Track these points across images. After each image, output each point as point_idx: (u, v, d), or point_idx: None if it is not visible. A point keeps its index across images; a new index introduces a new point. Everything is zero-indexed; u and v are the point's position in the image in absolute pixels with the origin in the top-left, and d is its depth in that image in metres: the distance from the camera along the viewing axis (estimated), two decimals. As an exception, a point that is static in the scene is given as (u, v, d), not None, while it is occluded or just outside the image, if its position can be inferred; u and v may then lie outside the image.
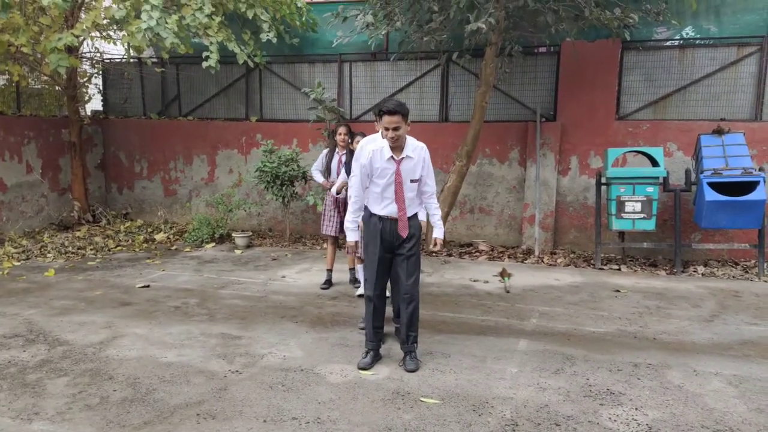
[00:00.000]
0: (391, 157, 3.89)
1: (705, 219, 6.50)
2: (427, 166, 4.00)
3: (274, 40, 8.18)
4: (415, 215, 4.06)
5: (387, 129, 3.79)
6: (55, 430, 3.13)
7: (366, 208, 4.12)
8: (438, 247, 4.14)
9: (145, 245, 8.34)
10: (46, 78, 9.45)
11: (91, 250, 7.87)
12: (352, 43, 8.26)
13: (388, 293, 4.76)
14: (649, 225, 6.85)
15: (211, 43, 7.71)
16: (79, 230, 8.89)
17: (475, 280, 6.47)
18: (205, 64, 7.72)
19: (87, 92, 10.65)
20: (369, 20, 6.55)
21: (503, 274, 6.53)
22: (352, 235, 4.18)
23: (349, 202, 4.20)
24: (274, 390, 3.67)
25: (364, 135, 4.95)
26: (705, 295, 5.88)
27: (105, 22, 7.92)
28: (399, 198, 3.91)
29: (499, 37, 7.12)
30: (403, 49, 7.78)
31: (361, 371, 3.98)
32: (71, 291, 5.96)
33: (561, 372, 3.98)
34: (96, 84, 10.62)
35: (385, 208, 3.98)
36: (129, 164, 10.20)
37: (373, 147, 3.95)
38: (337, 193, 5.78)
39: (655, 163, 6.96)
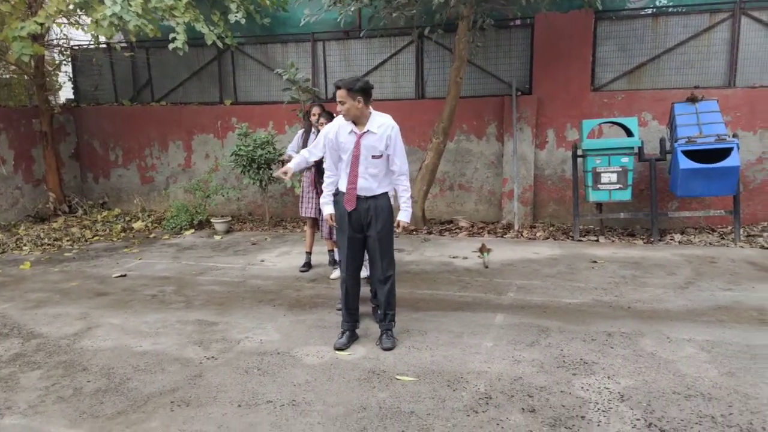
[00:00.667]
0: (352, 130, 3.87)
1: (680, 187, 6.54)
2: (393, 144, 3.94)
3: (243, 21, 8.03)
4: (384, 195, 4.01)
5: (338, 103, 3.80)
6: (27, 423, 3.11)
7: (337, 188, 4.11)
8: (400, 230, 4.09)
9: (122, 234, 8.25)
10: (13, 67, 9.23)
11: (67, 241, 7.77)
12: (325, 21, 8.14)
13: (366, 273, 4.76)
14: (626, 195, 6.88)
15: (178, 23, 7.54)
16: (56, 221, 8.77)
17: (454, 257, 6.48)
18: (171, 46, 7.57)
19: (57, 80, 10.44)
20: (337, -4, 6.43)
21: (482, 249, 6.54)
22: (327, 209, 4.14)
23: (324, 176, 4.19)
24: (249, 374, 3.66)
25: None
26: (681, 262, 5.95)
27: (70, 8, 7.70)
28: (352, 172, 3.88)
29: (470, 10, 7.04)
30: (372, 25, 7.67)
31: (337, 352, 3.98)
32: (47, 283, 5.89)
33: (536, 344, 4.01)
34: (66, 72, 10.40)
35: (344, 183, 3.96)
36: (103, 152, 10.04)
37: (340, 122, 3.95)
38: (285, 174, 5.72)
39: (630, 133, 6.97)
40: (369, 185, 3.93)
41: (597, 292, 5.13)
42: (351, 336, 4.14)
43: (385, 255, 4.05)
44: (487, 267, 6.05)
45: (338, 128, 3.95)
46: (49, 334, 4.44)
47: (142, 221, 8.80)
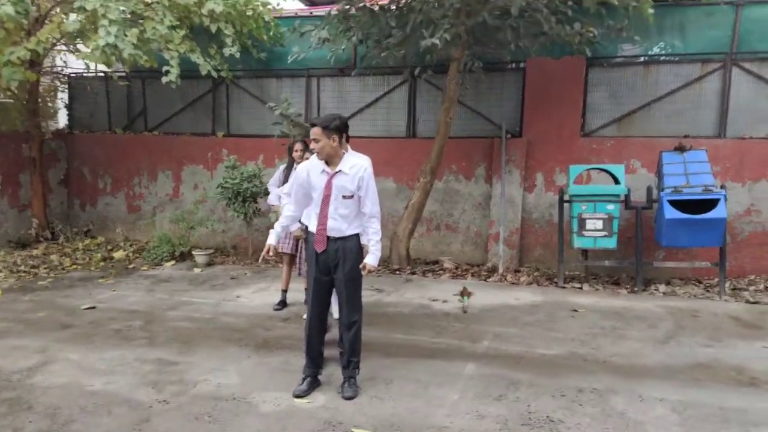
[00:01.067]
0: (324, 170, 3.80)
1: (665, 237, 6.42)
2: (365, 186, 3.85)
3: (237, 55, 8.06)
4: (355, 236, 3.90)
5: (312, 141, 3.73)
6: (-48, 468, 2.95)
7: (307, 228, 4.01)
8: (366, 272, 3.93)
9: (102, 263, 8.13)
10: (10, 92, 9.26)
11: (44, 269, 7.65)
12: (322, 57, 8.16)
13: (336, 316, 4.63)
14: (611, 243, 6.76)
15: (172, 57, 7.56)
16: (37, 248, 8.67)
17: (434, 300, 6.33)
18: (165, 79, 7.57)
19: (53, 106, 10.48)
20: (324, 35, 6.46)
21: (463, 293, 6.39)
22: (272, 238, 3.99)
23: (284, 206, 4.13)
24: (199, 421, 3.50)
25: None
26: (663, 315, 5.78)
27: (60, 36, 7.76)
28: (322, 212, 3.79)
29: (461, 52, 7.06)
30: (365, 65, 7.70)
31: (295, 399, 3.81)
32: (13, 312, 5.75)
33: (503, 398, 3.84)
34: (62, 98, 10.46)
35: (314, 224, 3.87)
36: (92, 180, 10.01)
37: (313, 162, 3.90)
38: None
39: (617, 180, 6.90)
40: (339, 226, 3.83)
41: (574, 343, 4.97)
42: (312, 382, 3.98)
43: (351, 299, 3.92)
44: (465, 312, 5.89)
45: (310, 167, 3.89)
46: (3, 367, 4.29)
47: (124, 251, 8.69)
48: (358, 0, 6.54)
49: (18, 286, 6.85)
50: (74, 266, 7.91)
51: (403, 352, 4.73)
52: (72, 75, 10.21)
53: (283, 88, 9.19)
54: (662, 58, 7.60)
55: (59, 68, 9.99)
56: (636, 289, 6.76)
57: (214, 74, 8.18)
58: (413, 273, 7.59)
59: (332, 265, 3.87)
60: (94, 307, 5.95)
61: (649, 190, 6.82)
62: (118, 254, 8.47)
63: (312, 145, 3.77)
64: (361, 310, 4.03)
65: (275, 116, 8.40)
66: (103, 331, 5.19)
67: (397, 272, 7.57)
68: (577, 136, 7.78)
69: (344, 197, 3.78)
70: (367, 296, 6.43)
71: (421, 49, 6.21)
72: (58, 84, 10.18)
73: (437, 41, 5.74)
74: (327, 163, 3.81)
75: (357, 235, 3.94)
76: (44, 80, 9.83)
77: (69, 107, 10.45)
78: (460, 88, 7.39)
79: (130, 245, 9.11)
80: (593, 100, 7.85)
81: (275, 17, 8.87)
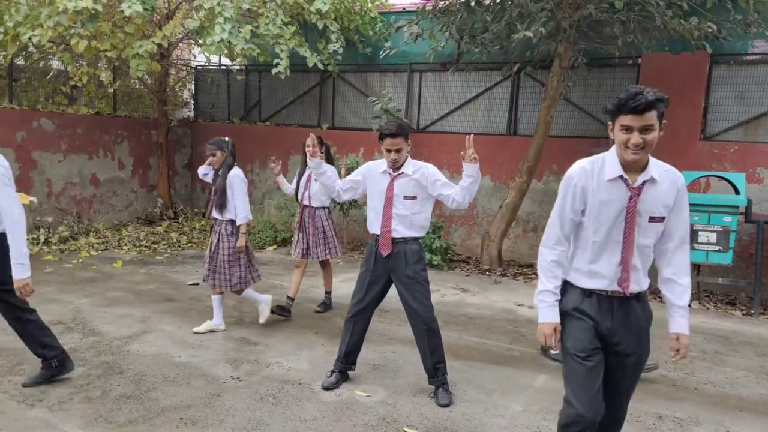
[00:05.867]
0: (386, 170, 3.82)
1: (790, 256, 5.73)
2: (432, 179, 3.76)
3: (340, 51, 8.32)
4: (415, 240, 3.85)
5: (389, 151, 3.72)
6: (49, 418, 3.36)
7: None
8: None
9: (212, 243, 8.76)
10: (142, 83, 10.25)
11: (164, 245, 8.41)
12: (424, 52, 8.14)
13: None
14: (725, 259, 6.15)
15: (282, 51, 7.99)
16: (160, 225, 9.54)
17: (519, 305, 6.15)
18: (274, 71, 8.03)
19: (182, 96, 11.44)
20: (416, 31, 6.44)
21: (551, 300, 6.15)
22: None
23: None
24: (263, 402, 3.69)
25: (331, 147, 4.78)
26: (778, 343, 5.18)
27: (185, 32, 8.43)
28: (385, 214, 3.79)
29: (565, 48, 6.73)
30: (465, 60, 7.59)
31: (324, 390, 3.88)
32: (128, 283, 6.39)
33: (569, 416, 3.65)
34: (189, 89, 11.38)
35: (377, 226, 3.86)
36: (211, 165, 10.79)
37: (374, 163, 3.95)
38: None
39: (736, 190, 6.25)
40: (401, 228, 3.79)
41: (666, 365, 4.59)
42: (340, 376, 4.02)
43: (424, 301, 3.79)
44: (550, 320, 5.65)
45: (371, 165, 3.94)
46: (107, 333, 4.80)
47: (233, 233, 9.29)
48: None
49: (138, 259, 7.59)
50: (189, 244, 8.62)
51: (473, 355, 4.66)
52: (197, 68, 11.06)
53: (386, 83, 9.31)
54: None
55: (186, 60, 10.85)
56: (752, 311, 6.11)
57: (321, 67, 8.50)
58: (504, 275, 7.41)
59: (392, 268, 3.84)
60: (197, 284, 6.46)
61: (773, 202, 6.11)
62: (226, 236, 9.09)
63: (392, 156, 3.71)
64: (433, 311, 3.95)
65: (376, 110, 8.56)
66: (199, 307, 5.63)
67: (487, 273, 7.43)
68: (695, 140, 7.14)
69: (405, 198, 3.77)
70: (451, 295, 6.39)
71: (515, 43, 5.99)
72: (185, 75, 11.07)
73: (531, 34, 5.51)
74: (390, 166, 3.80)
75: (418, 239, 3.90)
76: (173, 72, 10.76)
77: (194, 97, 11.35)
78: (562, 85, 7.05)
79: (239, 228, 9.72)
80: (716, 100, 7.15)
81: (382, 12, 9.01)
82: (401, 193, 3.77)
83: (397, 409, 3.69)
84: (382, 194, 3.80)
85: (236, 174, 4.84)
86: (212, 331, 4.95)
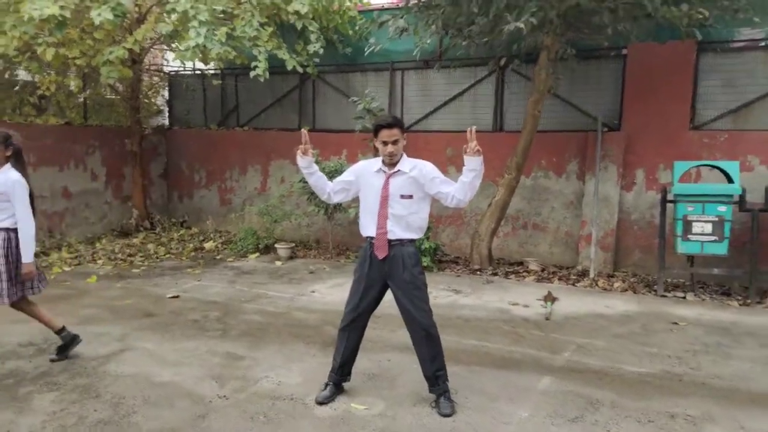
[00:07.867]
0: (380, 169, 3.60)
1: (788, 244, 5.62)
2: (430, 177, 3.56)
3: (320, 51, 8.10)
4: (411, 242, 3.62)
5: (386, 143, 3.51)
6: (17, 451, 3.06)
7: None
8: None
9: (193, 254, 8.45)
10: (118, 89, 9.88)
11: (140, 257, 8.07)
12: (406, 51, 7.97)
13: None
14: (721, 249, 6.03)
15: (260, 52, 7.73)
16: (136, 237, 9.18)
17: (514, 304, 5.95)
18: (252, 74, 7.78)
19: (155, 103, 11.07)
20: (402, 25, 6.23)
21: (547, 298, 5.99)
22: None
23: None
24: (253, 421, 3.43)
25: None
26: (782, 333, 5.05)
27: (157, 36, 8.12)
28: (381, 214, 3.56)
29: (552, 39, 6.58)
30: (449, 56, 7.40)
31: (318, 405, 3.63)
32: (103, 299, 6.05)
33: (579, 420, 3.46)
34: (163, 95, 11.03)
35: (372, 228, 3.64)
36: (189, 173, 10.47)
37: (366, 162, 3.75)
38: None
39: (730, 179, 6.14)
40: (397, 228, 3.59)
41: (670, 360, 4.43)
42: (335, 389, 3.78)
43: (422, 306, 3.58)
44: (548, 319, 5.47)
45: (365, 164, 3.76)
46: (83, 353, 4.46)
47: (214, 242, 8.99)
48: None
49: (113, 273, 7.24)
50: (168, 255, 8.28)
51: (473, 359, 4.44)
52: (171, 73, 10.72)
53: (368, 83, 9.09)
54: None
55: (159, 66, 10.51)
56: (749, 301, 6.00)
57: (300, 69, 8.26)
58: (495, 274, 7.21)
59: (388, 272, 3.62)
60: (177, 296, 6.15)
61: (767, 189, 6.01)
62: (208, 245, 8.79)
63: (389, 148, 3.49)
64: (432, 316, 3.73)
65: (358, 110, 8.33)
66: (181, 321, 5.32)
67: (478, 273, 7.23)
68: (685, 130, 7.03)
69: (402, 197, 3.55)
70: (443, 297, 6.17)
71: (505, 36, 5.81)
72: (159, 81, 10.72)
73: (522, 25, 5.33)
74: (385, 163, 3.60)
75: (415, 241, 3.68)
76: (146, 78, 10.41)
77: (169, 104, 11.00)
78: (550, 79, 6.89)
79: (220, 236, 9.42)
80: (705, 89, 7.05)
81: (361, 11, 8.79)
82: (397, 192, 3.55)
83: (397, 421, 3.45)
84: (377, 194, 3.57)
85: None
86: None
